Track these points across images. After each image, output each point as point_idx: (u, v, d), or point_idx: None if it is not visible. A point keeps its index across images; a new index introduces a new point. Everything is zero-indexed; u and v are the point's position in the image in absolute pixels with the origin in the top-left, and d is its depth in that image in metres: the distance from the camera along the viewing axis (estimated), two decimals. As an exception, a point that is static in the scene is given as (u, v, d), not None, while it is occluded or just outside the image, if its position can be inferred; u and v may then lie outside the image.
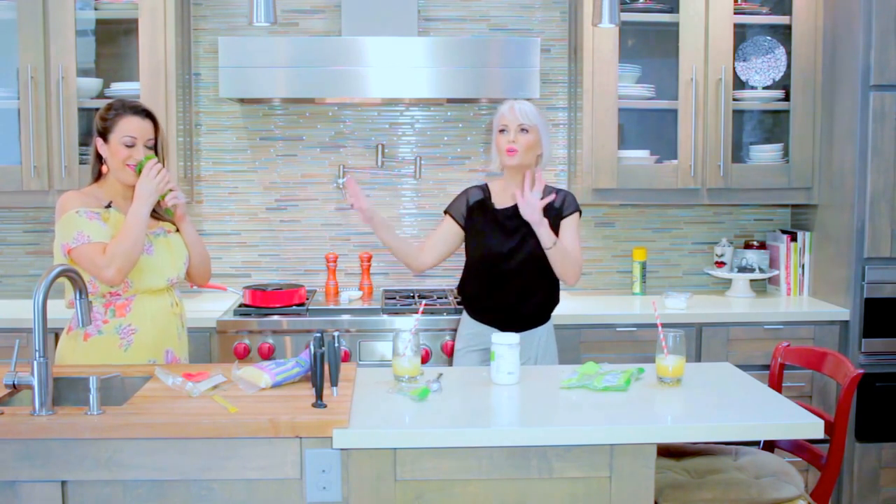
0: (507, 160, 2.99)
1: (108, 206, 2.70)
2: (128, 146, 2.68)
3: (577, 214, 3.03)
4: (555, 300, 3.10)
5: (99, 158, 2.74)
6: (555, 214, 2.98)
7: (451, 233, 3.09)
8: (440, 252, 3.09)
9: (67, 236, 2.61)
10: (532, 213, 2.86)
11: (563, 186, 4.14)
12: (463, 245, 3.11)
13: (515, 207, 2.95)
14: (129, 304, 2.68)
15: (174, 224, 2.85)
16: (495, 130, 3.03)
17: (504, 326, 2.96)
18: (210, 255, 2.98)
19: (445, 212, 3.12)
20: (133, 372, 2.51)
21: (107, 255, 2.57)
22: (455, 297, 3.76)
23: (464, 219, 3.07)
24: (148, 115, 2.73)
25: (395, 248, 3.07)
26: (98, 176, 2.76)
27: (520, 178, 2.99)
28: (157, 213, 2.77)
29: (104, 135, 2.69)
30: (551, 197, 2.90)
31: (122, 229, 2.62)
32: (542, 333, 3.06)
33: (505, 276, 2.98)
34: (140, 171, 2.67)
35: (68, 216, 2.63)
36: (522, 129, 2.97)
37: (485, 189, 3.11)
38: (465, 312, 3.14)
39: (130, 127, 2.68)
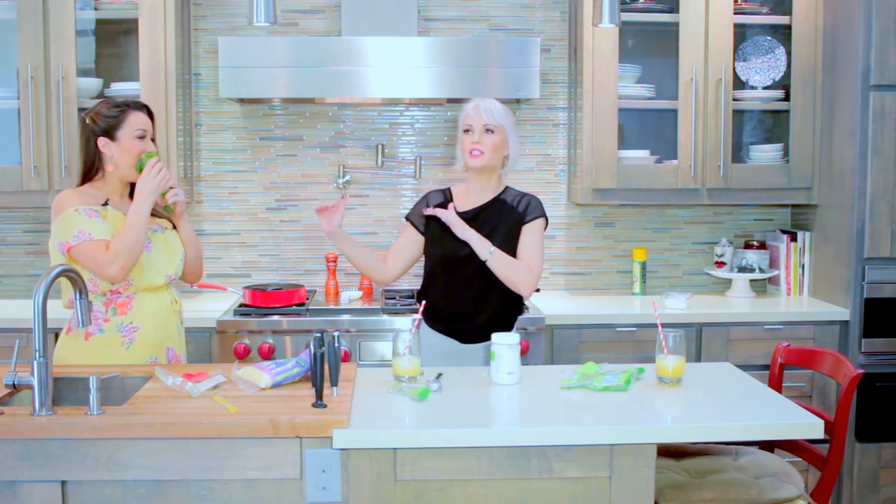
0: (470, 162, 2.85)
1: (105, 203, 2.69)
2: (140, 139, 2.69)
3: (540, 221, 2.90)
4: (516, 310, 2.96)
5: (97, 158, 2.71)
6: (515, 220, 2.88)
7: (412, 240, 2.97)
8: (404, 261, 2.98)
9: (67, 234, 2.60)
10: (453, 226, 2.78)
11: (564, 186, 4.15)
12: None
13: (475, 211, 2.89)
14: (129, 303, 2.68)
15: (171, 221, 2.85)
16: (460, 130, 2.89)
17: (463, 337, 2.88)
18: (204, 253, 2.99)
19: (406, 218, 3.02)
20: (133, 372, 2.51)
21: (110, 252, 2.56)
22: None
23: (423, 224, 2.96)
24: (148, 109, 2.76)
25: (359, 262, 2.97)
26: (93, 175, 2.73)
27: (483, 180, 2.90)
28: (154, 210, 2.76)
29: (110, 132, 2.67)
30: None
31: (123, 226, 2.62)
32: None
33: (463, 282, 2.86)
34: (141, 169, 2.67)
35: (67, 214, 2.62)
36: (488, 130, 2.82)
37: (446, 193, 2.99)
38: (423, 322, 2.93)
39: (139, 120, 2.70)
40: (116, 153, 2.69)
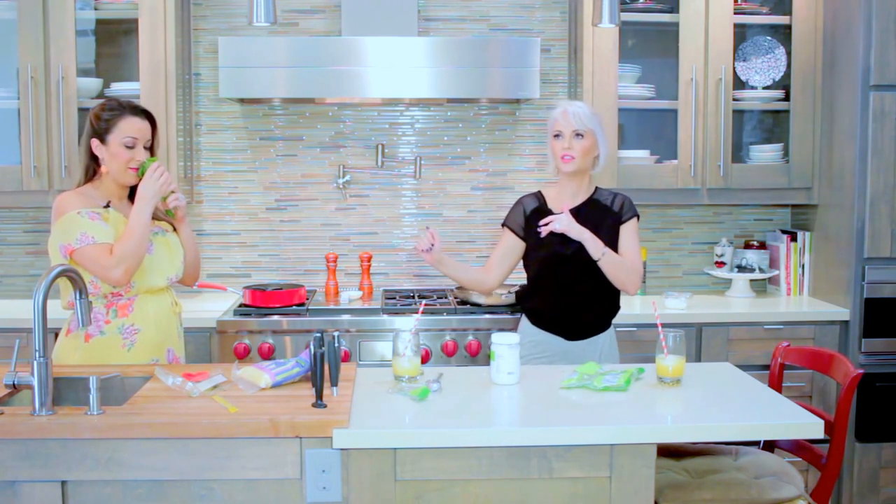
0: (563, 167, 2.94)
1: (107, 205, 2.68)
2: (128, 147, 2.64)
3: (635, 219, 2.99)
4: (617, 306, 3.07)
5: (94, 159, 2.69)
6: (613, 220, 2.95)
7: (512, 245, 3.06)
8: (505, 267, 3.07)
9: (70, 237, 2.59)
10: (569, 230, 2.85)
11: (563, 186, 4.14)
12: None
13: (573, 211, 2.94)
14: (131, 304, 2.68)
15: (172, 224, 2.84)
16: (550, 134, 2.98)
17: (568, 334, 2.97)
18: (204, 253, 2.98)
19: (503, 225, 3.09)
20: (133, 372, 2.51)
21: (114, 257, 2.55)
22: (455, 298, 3.76)
23: (522, 229, 3.04)
24: (147, 115, 2.71)
25: (461, 279, 3.11)
26: (92, 176, 2.72)
27: (576, 183, 2.99)
28: (156, 214, 2.76)
29: (101, 135, 2.65)
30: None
31: (126, 231, 2.60)
32: (605, 340, 3.04)
33: (569, 282, 2.94)
34: (143, 174, 2.65)
35: (69, 217, 2.60)
36: (577, 135, 2.91)
37: (539, 196, 3.08)
38: (524, 319, 3.09)
39: (131, 128, 2.65)
40: (107, 157, 2.67)
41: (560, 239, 2.91)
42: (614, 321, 3.62)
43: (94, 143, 2.66)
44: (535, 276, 3.03)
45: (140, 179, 2.67)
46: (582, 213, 2.95)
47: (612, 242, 2.93)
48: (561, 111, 2.94)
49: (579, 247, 2.89)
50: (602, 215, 2.96)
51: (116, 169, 2.67)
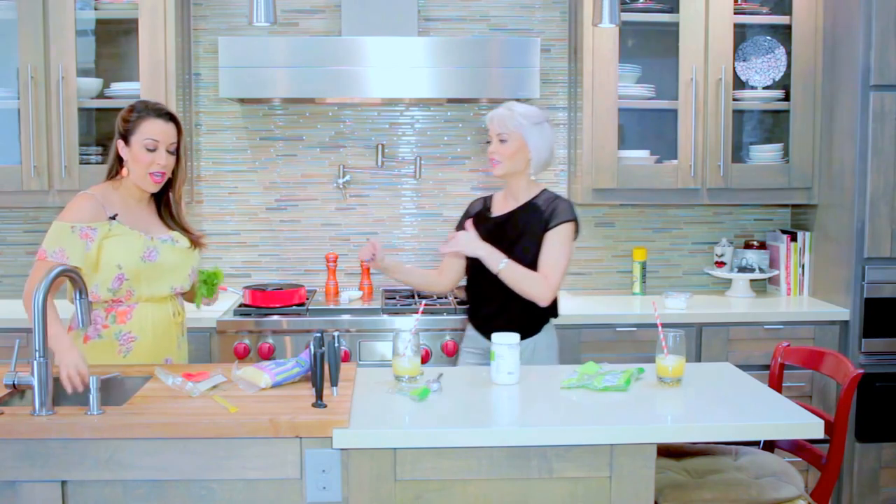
0: (492, 171, 2.94)
1: (113, 217, 2.63)
2: (149, 150, 2.60)
3: (564, 226, 2.87)
4: (541, 312, 2.92)
5: (119, 160, 2.66)
6: (541, 225, 2.89)
7: None
8: (456, 269, 3.08)
9: (50, 244, 2.55)
10: (465, 249, 2.84)
11: (564, 186, 4.14)
12: None
13: (506, 216, 2.94)
14: (130, 312, 2.65)
15: (190, 236, 2.78)
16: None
17: (489, 334, 2.87)
18: (204, 253, 2.94)
19: (456, 229, 3.10)
20: (133, 372, 2.51)
21: (29, 297, 2.46)
22: (455, 298, 3.76)
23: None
24: (171, 118, 2.66)
25: (414, 283, 3.15)
26: (114, 174, 2.69)
27: (513, 186, 2.96)
28: (166, 221, 2.74)
29: (125, 137, 2.62)
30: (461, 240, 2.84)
31: (54, 326, 2.39)
32: (528, 346, 2.89)
33: (490, 285, 2.88)
34: (207, 288, 2.77)
35: (63, 227, 2.56)
36: (501, 140, 2.89)
37: (487, 199, 3.09)
38: (468, 319, 3.13)
39: (153, 130, 2.61)
40: (129, 160, 2.63)
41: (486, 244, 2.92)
42: (616, 321, 3.63)
43: (120, 144, 2.64)
44: (468, 277, 3.05)
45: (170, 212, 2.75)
46: (514, 218, 2.93)
47: (537, 247, 2.87)
48: (489, 115, 2.93)
49: (506, 248, 2.86)
50: (533, 220, 2.89)
51: (137, 172, 2.63)
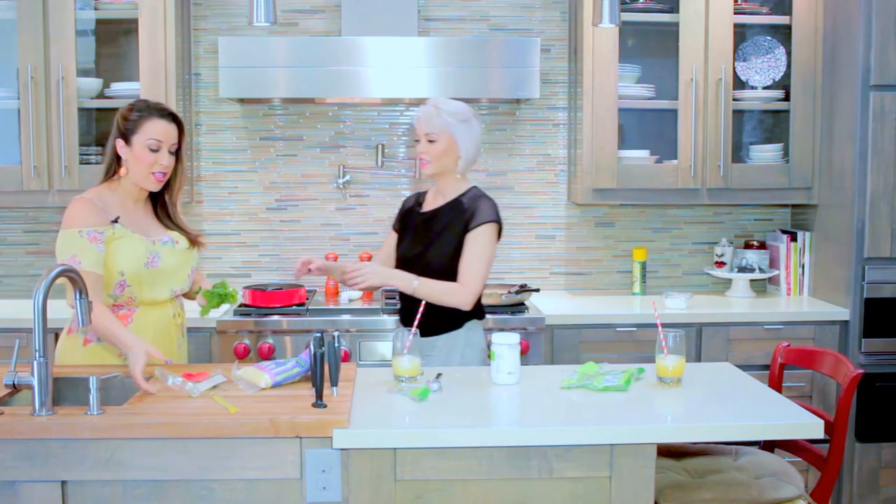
0: (421, 170, 2.88)
1: (116, 220, 2.60)
2: (152, 150, 2.57)
3: (483, 228, 2.79)
4: (454, 311, 2.82)
5: (117, 159, 2.63)
6: (462, 226, 2.82)
7: (393, 244, 3.04)
8: (391, 266, 2.97)
9: (62, 254, 2.54)
10: (372, 284, 2.77)
11: (564, 186, 4.15)
12: None
13: (432, 212, 2.90)
14: (130, 315, 2.64)
15: (188, 236, 2.76)
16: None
17: (421, 331, 2.77)
18: (205, 253, 2.93)
19: (393, 226, 3.09)
20: (133, 372, 2.51)
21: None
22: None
23: (399, 225, 3.04)
24: (174, 118, 2.64)
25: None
26: (111, 175, 2.66)
27: (441, 184, 2.90)
28: (164, 222, 2.73)
29: (126, 136, 2.59)
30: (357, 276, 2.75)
31: (108, 327, 2.47)
32: (443, 342, 2.85)
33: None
34: (218, 295, 2.69)
35: (70, 234, 2.54)
36: (430, 140, 2.81)
37: (421, 195, 3.03)
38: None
39: (156, 130, 2.58)
40: (130, 159, 2.60)
41: (409, 241, 2.92)
42: (616, 321, 3.63)
43: (119, 143, 2.61)
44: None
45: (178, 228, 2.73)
46: (439, 214, 2.88)
47: (456, 247, 2.82)
48: (418, 113, 2.85)
49: (423, 249, 2.85)
50: (455, 220, 2.84)
51: (138, 172, 2.60)
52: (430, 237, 2.87)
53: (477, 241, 2.81)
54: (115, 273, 2.58)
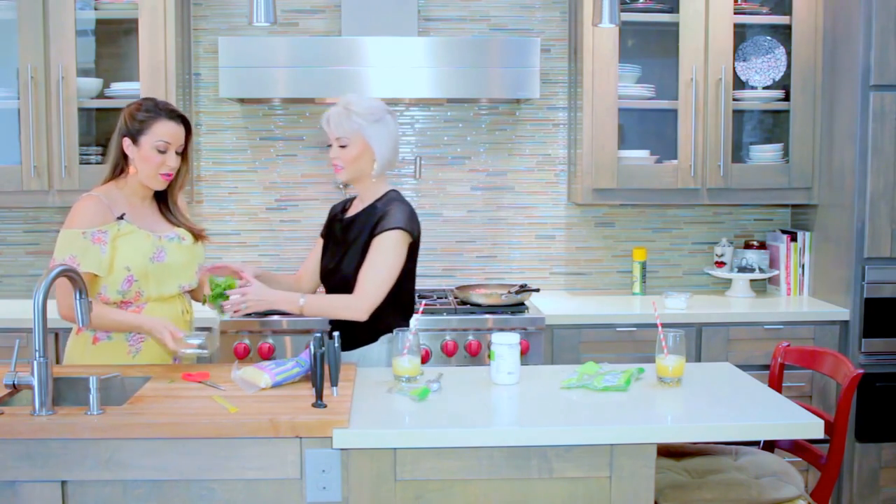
0: (336, 176, 2.76)
1: (121, 217, 2.61)
2: (160, 151, 2.58)
3: (388, 235, 2.65)
4: (378, 323, 2.71)
5: (124, 157, 2.63)
6: (369, 232, 2.71)
7: (318, 252, 2.95)
8: (311, 275, 2.93)
9: (60, 253, 2.54)
10: (257, 307, 2.62)
11: (564, 186, 4.15)
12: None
13: (351, 218, 2.80)
14: (139, 312, 2.63)
15: (192, 232, 2.76)
16: None
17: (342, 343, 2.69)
18: (204, 253, 2.93)
19: (321, 233, 3.00)
20: (133, 372, 2.51)
21: (70, 308, 2.46)
22: (455, 298, 3.76)
23: (325, 232, 2.95)
24: (182, 119, 2.64)
25: (283, 289, 2.88)
26: (118, 174, 2.66)
27: (361, 189, 2.79)
28: (170, 219, 2.72)
29: (134, 135, 2.59)
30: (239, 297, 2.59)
31: (116, 318, 2.54)
32: (357, 357, 2.75)
33: (330, 293, 2.79)
34: (214, 296, 2.60)
35: (72, 234, 2.54)
36: (341, 145, 2.68)
37: (347, 201, 2.94)
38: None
39: (165, 132, 2.58)
40: (137, 159, 2.60)
41: (329, 252, 2.83)
42: (616, 321, 3.63)
43: (126, 142, 2.60)
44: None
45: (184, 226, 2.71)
46: (355, 223, 2.78)
47: (362, 256, 2.70)
48: (325, 117, 2.69)
49: (340, 260, 2.76)
50: (366, 225, 2.73)
51: (146, 172, 2.61)
52: (345, 246, 2.77)
53: (379, 249, 2.66)
54: (122, 269, 2.58)
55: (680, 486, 2.48)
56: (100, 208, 2.58)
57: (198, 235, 2.78)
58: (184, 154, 2.67)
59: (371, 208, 2.77)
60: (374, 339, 2.77)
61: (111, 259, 2.57)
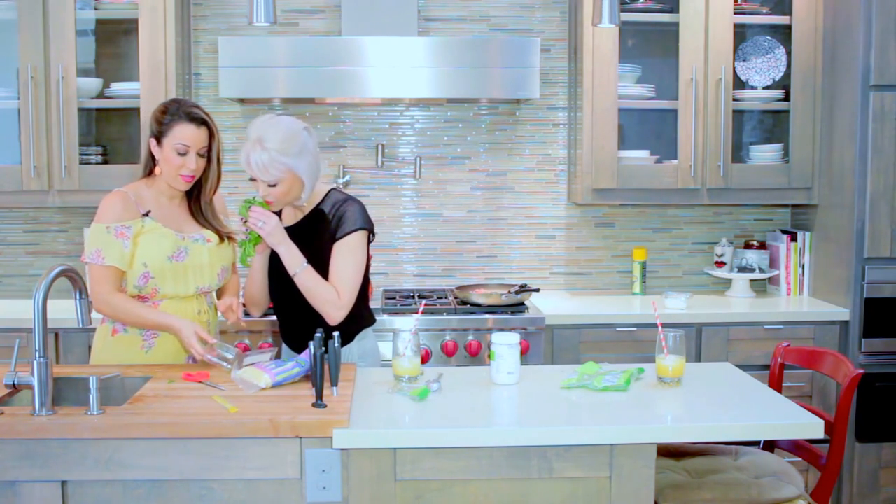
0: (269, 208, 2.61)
1: (147, 214, 2.64)
2: (180, 154, 2.59)
3: (353, 236, 2.63)
4: (356, 321, 2.70)
5: (152, 157, 2.67)
6: (328, 237, 2.65)
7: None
8: (261, 284, 2.78)
9: (90, 246, 2.60)
10: (270, 235, 2.56)
11: (564, 186, 4.14)
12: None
13: (291, 228, 2.68)
14: (156, 308, 2.66)
15: (219, 233, 2.76)
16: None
17: (298, 347, 2.72)
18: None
19: None
20: (133, 372, 2.51)
21: (105, 300, 2.56)
22: (455, 298, 3.76)
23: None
24: (204, 122, 2.63)
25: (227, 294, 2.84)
26: (149, 173, 2.70)
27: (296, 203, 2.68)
28: (199, 220, 2.73)
29: (158, 137, 2.62)
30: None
31: (138, 311, 2.57)
32: (347, 356, 2.71)
33: (289, 295, 2.67)
34: (248, 206, 2.57)
35: (99, 228, 2.59)
36: (270, 185, 2.57)
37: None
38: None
39: (184, 134, 2.59)
40: (160, 159, 2.63)
41: (273, 263, 2.70)
42: (616, 321, 3.63)
43: (152, 142, 2.64)
44: (272, 296, 2.80)
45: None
46: (301, 229, 2.70)
47: (326, 263, 2.64)
48: (245, 154, 2.55)
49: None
50: (320, 230, 2.66)
51: (167, 173, 2.63)
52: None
53: (345, 253, 2.63)
54: (139, 265, 2.61)
55: (680, 486, 2.48)
56: (126, 204, 2.62)
57: (223, 236, 2.77)
58: (209, 155, 2.66)
59: (317, 213, 2.70)
60: (351, 338, 2.75)
61: (132, 254, 2.61)
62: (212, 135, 2.66)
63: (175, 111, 2.61)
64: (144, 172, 2.71)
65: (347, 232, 2.63)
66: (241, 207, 2.61)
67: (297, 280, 2.59)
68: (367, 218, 2.69)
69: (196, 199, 2.74)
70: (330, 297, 2.60)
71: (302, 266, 2.59)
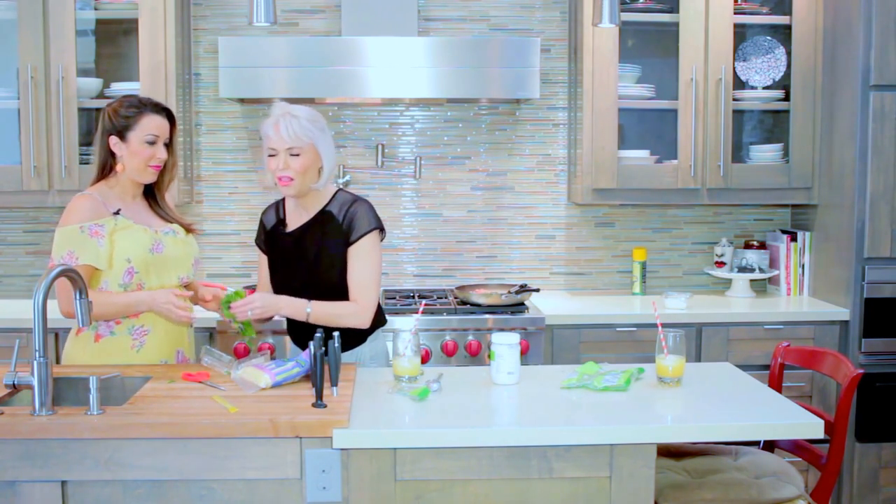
0: (281, 191, 2.66)
1: (117, 212, 2.64)
2: (150, 143, 2.63)
3: (367, 238, 2.63)
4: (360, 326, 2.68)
5: (111, 155, 2.66)
6: (341, 240, 2.64)
7: (267, 264, 2.82)
8: (268, 286, 2.80)
9: (58, 251, 2.56)
10: (266, 313, 2.60)
11: (564, 186, 4.14)
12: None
13: (300, 230, 2.69)
14: None
15: (184, 226, 2.80)
16: (264, 148, 2.63)
17: (305, 344, 2.60)
18: (204, 253, 2.94)
19: (255, 243, 2.88)
20: (133, 372, 2.51)
21: (71, 305, 2.46)
22: (455, 298, 3.76)
23: (266, 247, 2.81)
24: (167, 111, 2.69)
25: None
26: (106, 173, 2.68)
27: (305, 198, 2.68)
28: (162, 215, 2.74)
29: (121, 132, 2.62)
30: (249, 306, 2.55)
31: (112, 302, 2.56)
32: (348, 359, 2.68)
33: (292, 296, 2.66)
34: (227, 304, 2.58)
35: (69, 230, 2.56)
36: (293, 154, 2.56)
37: (280, 209, 2.81)
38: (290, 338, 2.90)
39: (153, 125, 2.63)
40: (126, 154, 2.64)
41: (285, 268, 2.72)
42: (616, 321, 3.63)
43: (113, 140, 2.63)
44: (274, 286, 2.79)
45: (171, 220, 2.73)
46: (310, 231, 2.69)
47: (340, 263, 2.64)
48: (273, 123, 2.56)
49: (308, 273, 2.66)
50: (331, 233, 2.65)
51: (136, 166, 2.64)
52: (308, 259, 2.67)
53: (361, 256, 2.63)
54: (122, 261, 2.60)
55: (680, 486, 2.48)
56: (95, 204, 2.62)
57: (189, 229, 2.82)
58: (170, 146, 2.71)
59: (324, 214, 2.68)
60: (362, 340, 2.76)
61: (110, 253, 2.59)
62: (173, 125, 2.71)
63: (137, 104, 2.65)
64: (102, 174, 2.69)
65: (361, 235, 2.64)
66: (224, 312, 2.61)
67: (311, 320, 2.59)
68: (377, 217, 2.69)
69: (154, 195, 2.76)
70: (348, 311, 2.63)
71: (308, 308, 2.60)
